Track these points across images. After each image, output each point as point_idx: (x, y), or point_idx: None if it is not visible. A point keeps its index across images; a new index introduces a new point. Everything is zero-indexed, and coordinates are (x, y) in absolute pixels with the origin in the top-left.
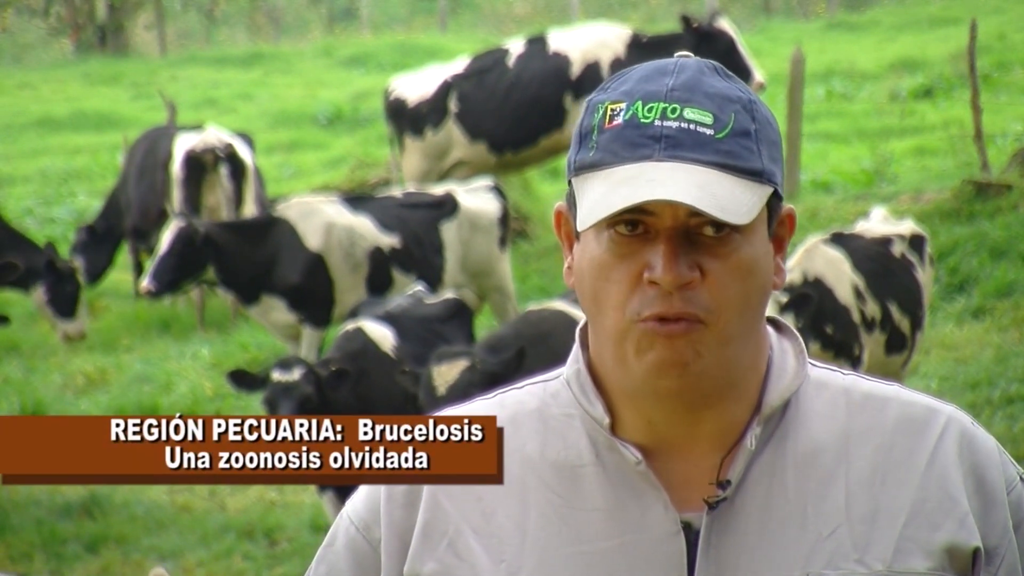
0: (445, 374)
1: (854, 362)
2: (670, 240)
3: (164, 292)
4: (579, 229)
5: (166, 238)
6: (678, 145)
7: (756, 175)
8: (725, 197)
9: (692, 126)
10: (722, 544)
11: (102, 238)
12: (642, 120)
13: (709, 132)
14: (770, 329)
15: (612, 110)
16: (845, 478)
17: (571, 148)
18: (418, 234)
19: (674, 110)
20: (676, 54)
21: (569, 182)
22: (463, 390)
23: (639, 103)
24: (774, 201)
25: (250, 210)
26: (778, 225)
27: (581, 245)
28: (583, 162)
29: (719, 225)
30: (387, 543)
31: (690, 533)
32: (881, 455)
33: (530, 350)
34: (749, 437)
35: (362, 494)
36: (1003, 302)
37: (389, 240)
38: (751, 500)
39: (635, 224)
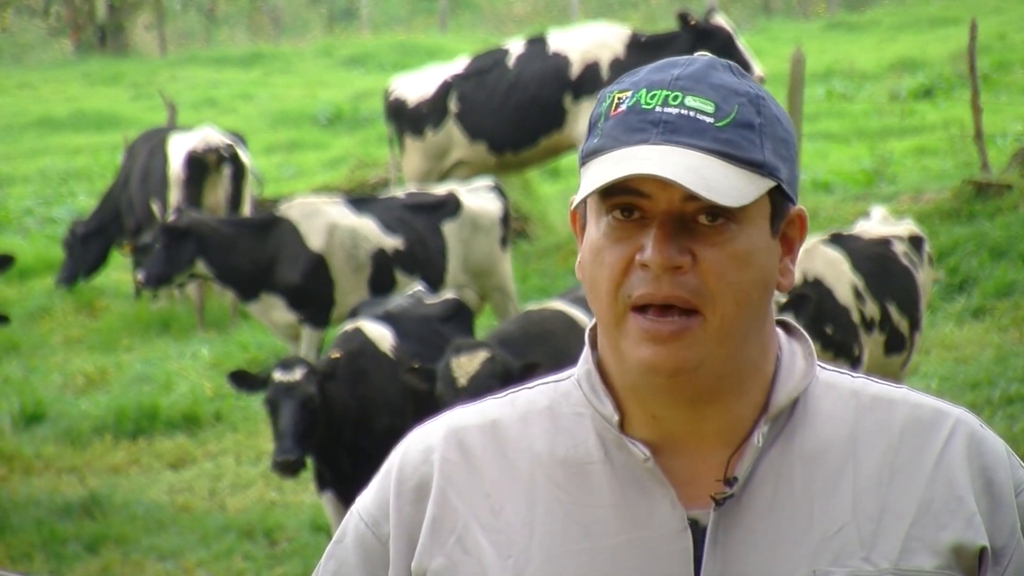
0: (465, 365)
1: (854, 362)
2: (663, 224)
3: (153, 284)
4: (573, 208)
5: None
6: (676, 131)
7: (756, 166)
8: (715, 180)
9: (692, 113)
10: (729, 541)
11: (92, 237)
12: (644, 106)
13: (709, 120)
14: (780, 331)
15: (619, 98)
16: (852, 478)
17: (584, 140)
18: (421, 235)
19: (675, 97)
20: (697, 54)
21: (580, 174)
22: (484, 381)
23: (643, 91)
24: (780, 199)
25: (247, 211)
26: (787, 225)
27: (585, 234)
28: (588, 149)
29: (714, 214)
30: (396, 539)
31: (697, 530)
32: (889, 456)
33: (533, 348)
34: (756, 435)
35: (372, 490)
36: (1003, 302)
37: (392, 242)
38: (758, 498)
39: (631, 210)
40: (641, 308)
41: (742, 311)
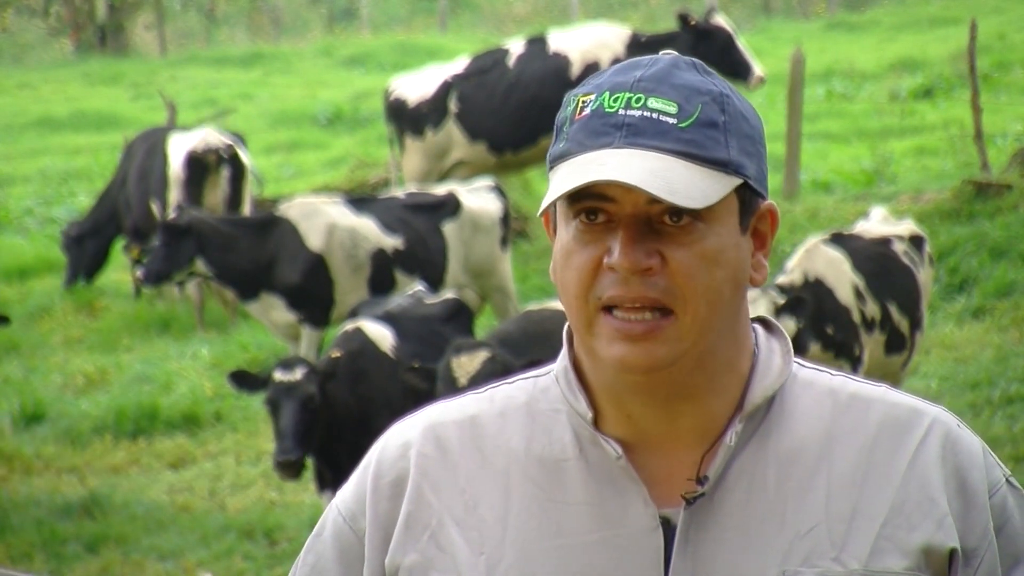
0: (466, 365)
1: (854, 363)
2: (629, 227)
3: (153, 282)
4: (538, 214)
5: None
6: (639, 133)
7: (720, 165)
8: (678, 182)
9: (655, 115)
10: (699, 540)
11: (88, 236)
12: (607, 109)
13: (672, 121)
14: (759, 328)
15: (583, 102)
16: (826, 477)
17: (551, 144)
18: (421, 235)
19: (638, 99)
20: (661, 52)
21: (549, 178)
22: (485, 381)
23: (606, 94)
24: (748, 195)
25: (247, 211)
26: (757, 220)
27: (556, 237)
28: (554, 154)
29: (680, 214)
30: (371, 534)
31: (669, 528)
32: (863, 455)
33: (533, 348)
34: (730, 434)
35: (351, 485)
36: (1003, 302)
37: (392, 242)
38: (730, 497)
39: (598, 213)
40: (610, 308)
41: (714, 309)
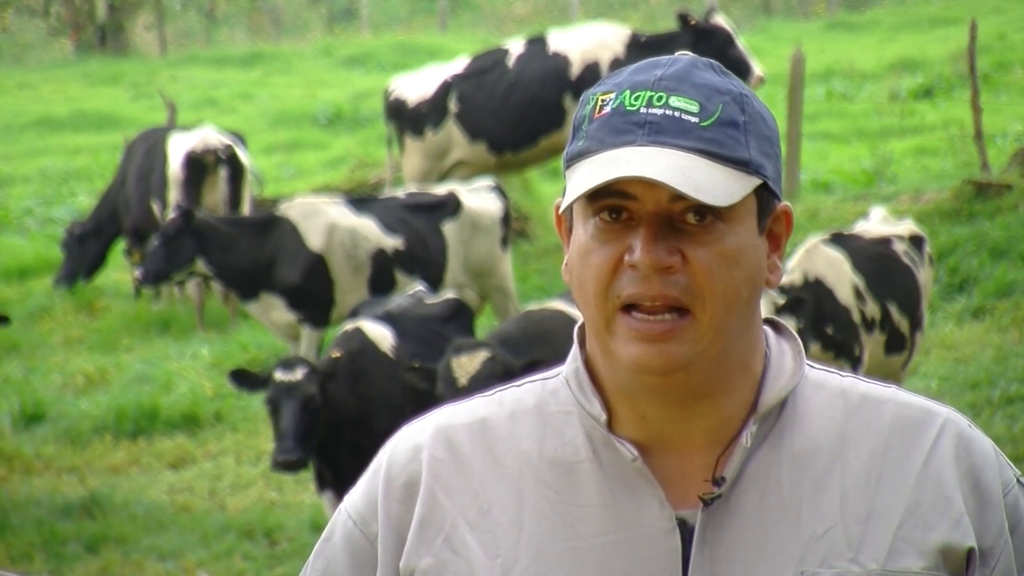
0: (466, 365)
1: (854, 363)
2: (650, 224)
3: (152, 282)
4: (559, 212)
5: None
6: (661, 131)
7: (742, 164)
8: (703, 180)
9: (677, 113)
10: (717, 541)
11: (90, 236)
12: (628, 108)
13: (694, 120)
14: (769, 330)
15: (602, 100)
16: (840, 478)
17: (567, 143)
18: (421, 235)
19: (660, 98)
20: (677, 53)
21: (565, 177)
22: (485, 381)
23: (627, 92)
24: (766, 196)
25: (247, 211)
26: (773, 222)
27: (572, 236)
28: (573, 152)
29: (702, 213)
30: (384, 538)
31: (685, 530)
32: (877, 456)
33: (534, 348)
34: (745, 435)
35: (360, 488)
36: (1003, 302)
37: (392, 242)
38: (746, 498)
39: (619, 211)
40: (629, 307)
41: (732, 309)
